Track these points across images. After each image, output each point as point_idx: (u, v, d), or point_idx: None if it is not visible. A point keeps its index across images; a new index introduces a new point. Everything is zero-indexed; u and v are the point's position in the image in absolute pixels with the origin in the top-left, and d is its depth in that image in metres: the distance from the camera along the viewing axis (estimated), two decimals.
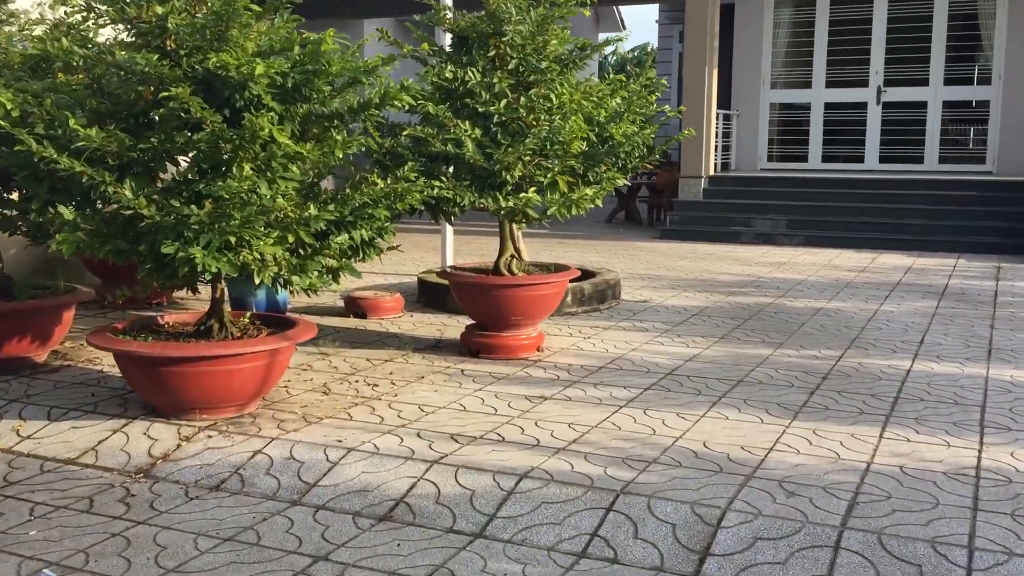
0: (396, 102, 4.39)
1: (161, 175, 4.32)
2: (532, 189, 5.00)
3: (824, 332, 6.46)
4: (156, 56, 4.07)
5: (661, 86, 5.92)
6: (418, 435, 4.18)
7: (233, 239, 3.81)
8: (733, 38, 14.39)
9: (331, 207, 4.08)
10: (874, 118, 13.96)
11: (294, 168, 4.27)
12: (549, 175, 5.26)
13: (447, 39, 6.61)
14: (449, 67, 5.34)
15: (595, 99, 5.70)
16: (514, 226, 5.56)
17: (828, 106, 14.24)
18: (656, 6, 22.04)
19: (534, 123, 5.25)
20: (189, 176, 4.09)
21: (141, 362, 4.20)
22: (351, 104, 4.49)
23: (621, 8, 27.63)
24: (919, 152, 13.78)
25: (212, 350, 4.17)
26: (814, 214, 12.07)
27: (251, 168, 4.03)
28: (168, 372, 4.18)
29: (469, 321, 6.04)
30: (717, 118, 13.34)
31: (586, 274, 7.88)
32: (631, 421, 4.40)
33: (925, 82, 13.60)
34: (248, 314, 4.76)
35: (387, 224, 4.64)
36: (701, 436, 4.17)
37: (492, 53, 5.43)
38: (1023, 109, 12.93)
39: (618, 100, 6.32)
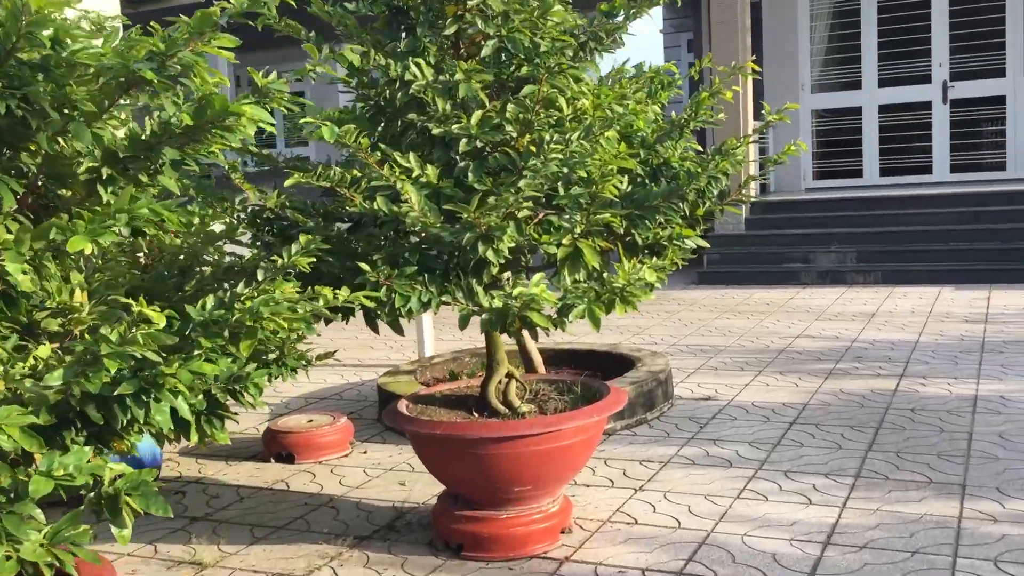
0: (234, 129, 2.03)
1: None
2: (538, 278, 2.61)
3: (1015, 451, 4.06)
4: None
5: (746, 72, 3.55)
6: None
7: None
8: (761, 38, 12.05)
9: (56, 375, 1.71)
10: (941, 119, 11.57)
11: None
12: (565, 240, 2.89)
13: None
14: (376, 57, 2.99)
15: (633, 103, 3.35)
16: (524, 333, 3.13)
17: (883, 109, 11.85)
18: (660, 16, 19.86)
19: (532, 149, 2.89)
20: None
21: None
22: (135, 133, 2.12)
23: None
24: (999, 157, 11.38)
25: None
26: (888, 242, 9.67)
27: None
28: None
29: None
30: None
31: (620, 361, 5.50)
32: None
33: (1002, 72, 11.22)
34: None
35: (248, 372, 2.27)
36: None
37: (451, 31, 3.08)
38: None
39: (657, 108, 3.98)
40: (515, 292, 2.50)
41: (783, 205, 10.96)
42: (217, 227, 3.21)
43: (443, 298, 2.75)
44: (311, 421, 4.68)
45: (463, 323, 2.73)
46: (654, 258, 2.95)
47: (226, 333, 1.97)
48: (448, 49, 3.17)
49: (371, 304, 2.53)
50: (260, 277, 2.51)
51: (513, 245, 2.75)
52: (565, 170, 2.69)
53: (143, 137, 2.03)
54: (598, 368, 5.52)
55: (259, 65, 3.04)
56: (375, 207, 2.74)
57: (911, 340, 6.51)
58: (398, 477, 4.22)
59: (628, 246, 3.07)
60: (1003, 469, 3.85)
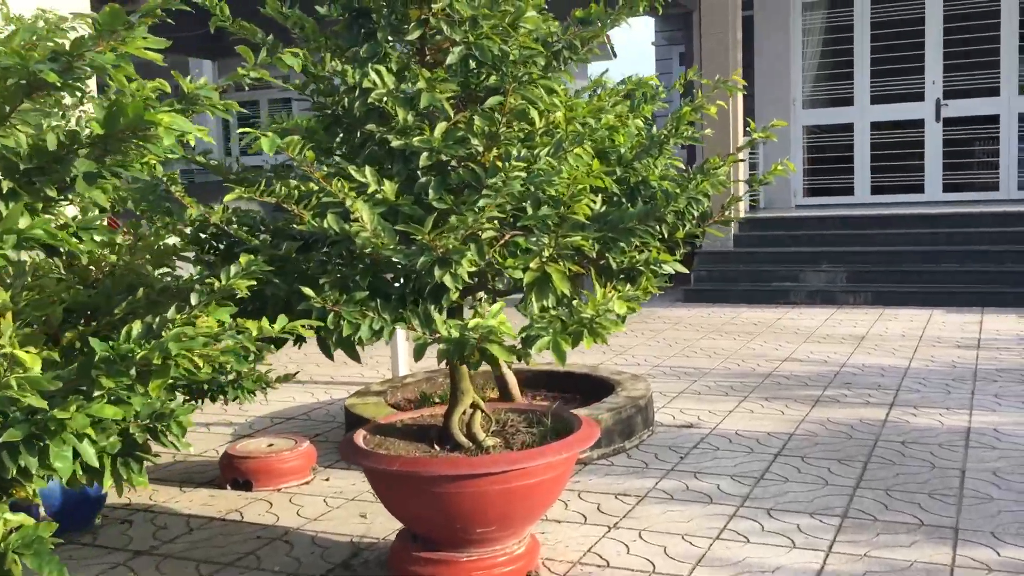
0: (153, 140, 1.81)
1: None
2: (497, 307, 2.39)
3: (1010, 491, 3.84)
4: None
5: (733, 87, 3.34)
6: None
7: None
8: (753, 52, 11.89)
9: None
10: (934, 138, 11.41)
11: None
12: (533, 264, 2.67)
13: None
14: (332, 62, 2.78)
15: (612, 116, 3.13)
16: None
17: (875, 126, 11.69)
18: (652, 28, 19.70)
19: (499, 165, 2.67)
20: None
21: None
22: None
23: (609, 33, 25.29)
24: (992, 177, 11.22)
25: None
26: (880, 262, 9.48)
27: None
28: None
29: None
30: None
31: (599, 384, 5.27)
32: None
33: (996, 91, 11.08)
34: None
35: (172, 408, 2.04)
36: None
37: (415, 36, 2.86)
38: None
39: (639, 122, 3.78)
40: (471, 324, 2.28)
41: (773, 222, 10.77)
42: (175, 242, 2.99)
43: (397, 325, 2.52)
44: (271, 445, 4.44)
45: (418, 354, 2.50)
46: (629, 285, 2.73)
47: (133, 371, 1.75)
48: (413, 56, 2.96)
49: (311, 333, 2.31)
50: (194, 301, 2.28)
51: (474, 269, 2.53)
52: (530, 188, 2.47)
53: (49, 147, 1.81)
54: (576, 391, 5.30)
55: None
56: (325, 225, 2.51)
57: (902, 366, 6.30)
58: (359, 508, 3.98)
59: (602, 270, 2.85)
60: (997, 511, 3.64)
